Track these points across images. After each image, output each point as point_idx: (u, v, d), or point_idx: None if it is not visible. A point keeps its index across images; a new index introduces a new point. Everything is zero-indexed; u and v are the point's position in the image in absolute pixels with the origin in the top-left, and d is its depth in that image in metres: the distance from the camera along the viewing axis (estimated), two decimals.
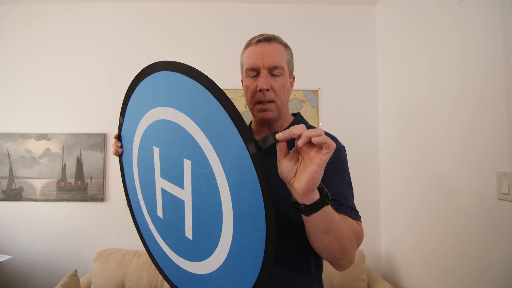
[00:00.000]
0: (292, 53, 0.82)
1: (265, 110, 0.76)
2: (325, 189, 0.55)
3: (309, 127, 0.80)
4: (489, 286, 1.12)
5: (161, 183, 0.73)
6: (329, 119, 2.07)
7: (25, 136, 2.01)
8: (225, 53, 2.05)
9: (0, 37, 2.05)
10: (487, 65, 1.14)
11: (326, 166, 0.61)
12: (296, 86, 2.07)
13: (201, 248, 0.63)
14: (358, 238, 0.68)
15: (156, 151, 0.72)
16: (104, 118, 2.04)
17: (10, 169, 2.00)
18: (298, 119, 0.86)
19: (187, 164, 0.63)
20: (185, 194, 0.65)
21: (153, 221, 0.81)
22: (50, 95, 2.04)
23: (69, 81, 2.05)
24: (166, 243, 0.77)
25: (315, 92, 2.07)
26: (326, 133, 0.75)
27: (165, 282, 1.74)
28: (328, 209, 0.56)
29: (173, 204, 0.69)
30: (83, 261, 1.98)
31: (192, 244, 0.66)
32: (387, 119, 1.98)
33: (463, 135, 1.27)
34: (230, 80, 2.04)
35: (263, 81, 0.74)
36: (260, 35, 0.78)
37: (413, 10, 1.66)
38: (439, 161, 1.43)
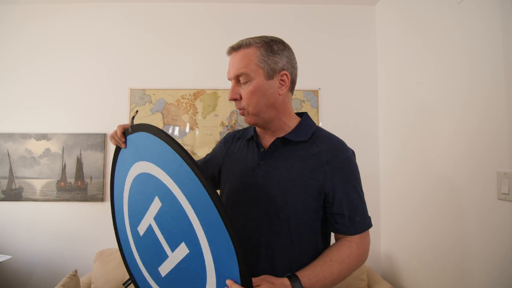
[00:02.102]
0: (273, 50, 0.73)
1: (243, 115, 0.78)
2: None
3: (311, 128, 0.80)
4: (489, 286, 1.12)
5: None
6: (329, 119, 2.07)
7: (25, 136, 2.01)
8: (225, 53, 2.04)
9: (0, 37, 2.05)
10: (487, 65, 1.14)
11: (333, 176, 0.71)
12: (296, 86, 2.07)
13: None
14: (357, 263, 0.73)
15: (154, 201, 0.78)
16: (104, 118, 2.04)
17: (10, 169, 2.00)
18: (304, 120, 0.82)
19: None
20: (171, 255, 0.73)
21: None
22: (50, 95, 2.04)
23: (69, 81, 2.05)
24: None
25: (315, 92, 2.07)
26: (333, 140, 0.77)
27: None
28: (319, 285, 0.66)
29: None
30: (83, 261, 1.98)
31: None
32: (387, 119, 1.98)
33: (463, 135, 1.27)
34: None
35: (230, 93, 0.76)
36: (231, 45, 0.76)
37: (413, 10, 1.66)
38: (439, 161, 1.43)
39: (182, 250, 0.67)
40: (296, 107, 2.06)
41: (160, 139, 0.66)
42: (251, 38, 0.75)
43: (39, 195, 2.00)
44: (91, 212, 2.01)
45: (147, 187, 0.74)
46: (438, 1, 1.44)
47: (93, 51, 2.07)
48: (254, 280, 0.63)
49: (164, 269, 0.75)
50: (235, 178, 0.82)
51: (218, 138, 2.05)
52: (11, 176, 2.00)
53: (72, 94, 2.05)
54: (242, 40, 0.75)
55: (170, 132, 2.05)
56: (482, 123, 1.17)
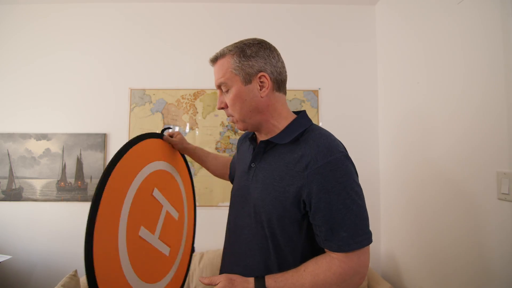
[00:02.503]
0: (246, 54, 0.72)
1: (234, 123, 0.81)
2: None
3: (299, 129, 0.75)
4: (489, 286, 1.12)
5: None
6: (329, 119, 2.07)
7: (25, 136, 2.01)
8: None
9: (0, 37, 2.05)
10: (487, 65, 1.14)
11: (314, 185, 0.66)
12: (296, 86, 2.08)
13: None
14: (342, 279, 0.64)
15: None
16: (104, 118, 2.04)
17: (10, 169, 2.00)
18: (296, 120, 0.77)
19: None
20: None
21: None
22: (50, 95, 2.04)
23: (69, 81, 2.05)
24: None
25: (315, 92, 2.08)
26: (320, 142, 0.70)
27: None
28: None
29: None
30: (83, 261, 1.98)
31: None
32: (387, 119, 1.98)
33: (463, 135, 1.27)
34: None
35: (217, 102, 0.80)
36: (210, 58, 0.81)
37: (413, 10, 1.66)
38: (439, 161, 1.43)
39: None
40: (296, 107, 2.06)
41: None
42: (226, 47, 0.77)
43: (39, 195, 2.00)
44: None
45: None
46: (438, 1, 1.44)
47: (93, 51, 2.07)
48: (215, 277, 0.68)
49: None
50: (236, 178, 0.88)
51: (218, 138, 2.05)
52: (11, 176, 2.00)
53: (72, 94, 2.05)
54: (219, 51, 0.77)
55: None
56: (482, 123, 1.17)
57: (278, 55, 0.77)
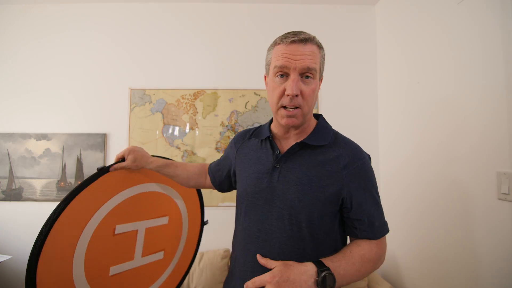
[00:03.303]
0: (324, 55, 0.75)
1: (290, 117, 0.71)
2: (327, 283, 0.62)
3: (329, 132, 0.78)
4: (489, 286, 1.12)
5: None
6: (329, 119, 2.04)
7: (25, 136, 2.01)
8: (225, 53, 2.05)
9: (0, 37, 2.05)
10: (487, 65, 1.14)
11: (351, 182, 0.72)
12: None
13: None
14: (377, 261, 0.73)
15: None
16: (104, 118, 2.04)
17: (10, 169, 2.00)
18: (321, 123, 0.80)
19: None
20: None
21: None
22: (50, 95, 2.04)
23: (69, 81, 2.05)
24: None
25: None
26: (351, 145, 0.76)
27: None
28: (341, 279, 0.65)
29: None
30: None
31: None
32: (387, 119, 1.98)
33: (463, 135, 1.27)
34: (230, 80, 2.04)
35: (293, 86, 0.67)
36: (294, 34, 0.69)
37: (413, 10, 1.66)
38: (439, 161, 1.43)
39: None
40: None
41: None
42: (310, 35, 0.71)
43: (39, 195, 1.99)
44: None
45: None
46: (438, 1, 1.44)
47: (93, 51, 2.07)
48: (272, 261, 0.67)
49: None
50: (249, 180, 0.80)
51: (218, 138, 2.05)
52: (11, 176, 2.00)
53: (72, 94, 2.05)
54: (307, 34, 0.70)
55: (170, 132, 2.05)
56: (482, 123, 1.16)
57: None
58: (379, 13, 2.07)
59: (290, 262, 0.66)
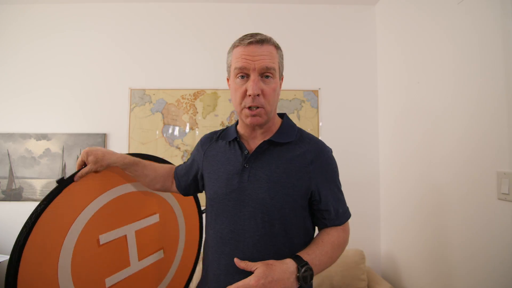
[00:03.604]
0: (282, 55, 0.78)
1: (254, 116, 0.72)
2: (307, 280, 0.66)
3: (294, 129, 0.82)
4: (489, 286, 1.12)
5: None
6: (329, 119, 2.07)
7: (25, 136, 2.01)
8: (225, 53, 2.04)
9: (0, 37, 2.05)
10: (487, 65, 1.14)
11: (318, 176, 0.76)
12: (296, 86, 2.08)
13: None
14: (345, 244, 0.80)
15: None
16: (104, 118, 2.04)
17: (10, 169, 2.00)
18: (286, 121, 0.83)
19: None
20: None
21: None
22: (50, 95, 2.04)
23: (69, 81, 2.05)
24: None
25: (315, 92, 2.07)
26: (315, 140, 0.80)
27: None
28: (317, 269, 0.70)
29: None
30: None
31: None
32: (387, 119, 1.98)
33: (463, 135, 1.27)
34: None
35: (254, 86, 0.69)
36: (251, 36, 0.72)
37: (413, 9, 1.66)
38: (439, 161, 1.43)
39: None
40: (296, 107, 2.06)
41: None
42: (267, 36, 0.73)
43: (39, 195, 1.99)
44: None
45: None
46: (438, 1, 1.44)
47: (93, 51, 2.07)
48: (251, 263, 0.67)
49: None
50: (219, 182, 0.79)
51: None
52: (11, 176, 2.00)
53: (72, 94, 2.05)
54: (263, 35, 0.72)
55: (170, 132, 2.05)
56: (482, 123, 1.16)
57: None
58: (379, 13, 2.07)
59: (270, 262, 0.66)
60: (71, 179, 0.81)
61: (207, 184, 0.84)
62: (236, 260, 0.70)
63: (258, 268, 0.64)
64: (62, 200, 0.79)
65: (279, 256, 0.70)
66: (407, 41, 1.72)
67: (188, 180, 0.93)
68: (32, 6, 2.06)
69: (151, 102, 2.05)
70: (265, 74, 0.71)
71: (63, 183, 0.80)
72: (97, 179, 0.86)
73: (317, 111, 2.06)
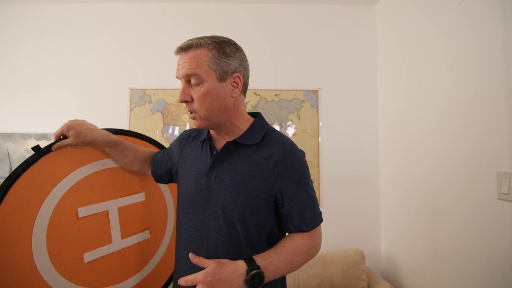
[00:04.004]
0: (225, 52, 0.72)
1: (193, 119, 0.75)
2: (255, 282, 0.65)
3: (263, 130, 0.79)
4: (490, 286, 1.12)
5: None
6: (329, 119, 2.06)
7: (25, 136, 2.01)
8: None
9: (0, 37, 2.05)
10: (487, 65, 1.14)
11: (282, 179, 0.74)
12: (296, 86, 2.08)
13: None
14: (310, 251, 0.76)
15: None
16: (104, 118, 2.04)
17: (10, 169, 1.99)
18: (256, 122, 0.80)
19: None
20: None
21: None
22: (50, 95, 2.04)
23: (69, 81, 2.05)
24: None
25: (315, 92, 2.07)
26: (283, 142, 0.77)
27: None
28: (272, 274, 0.69)
29: None
30: None
31: None
32: (387, 119, 1.98)
33: (463, 135, 1.27)
34: None
35: (180, 94, 0.73)
36: (179, 45, 0.72)
37: (413, 10, 1.66)
38: (439, 161, 1.43)
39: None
40: (296, 107, 2.06)
41: None
42: (201, 38, 0.72)
43: None
44: None
45: None
46: (438, 1, 1.44)
47: (93, 51, 2.07)
48: (205, 260, 0.67)
49: None
50: (189, 181, 0.81)
51: None
52: None
53: (72, 94, 2.05)
54: (192, 40, 0.71)
55: (170, 132, 2.05)
56: (482, 123, 1.16)
57: (247, 59, 0.80)
58: (379, 13, 2.07)
59: (223, 261, 0.67)
60: (48, 148, 0.79)
61: (180, 182, 0.86)
62: (190, 255, 0.70)
63: (210, 265, 0.65)
64: (39, 168, 0.75)
65: (241, 256, 0.71)
66: (407, 41, 1.72)
67: (163, 171, 0.94)
68: (32, 6, 2.06)
69: (151, 102, 2.05)
70: (189, 80, 0.71)
71: (40, 151, 0.77)
72: (78, 151, 0.84)
73: (317, 111, 2.06)
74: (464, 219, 1.26)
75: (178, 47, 0.72)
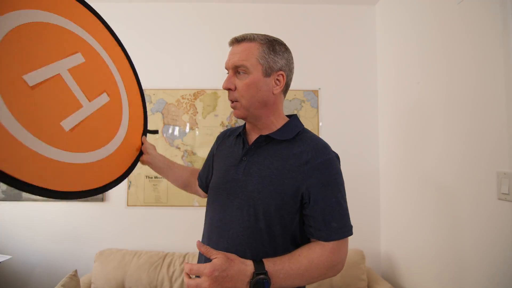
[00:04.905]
0: (274, 49, 0.76)
1: (233, 108, 0.80)
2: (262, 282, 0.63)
3: (297, 129, 0.81)
4: (489, 286, 1.12)
5: None
6: (329, 119, 2.07)
7: None
8: (225, 53, 2.04)
9: None
10: (487, 65, 1.14)
11: (311, 178, 0.72)
12: (296, 86, 2.08)
13: None
14: (329, 267, 0.70)
15: None
16: None
17: None
18: (291, 121, 0.83)
19: None
20: None
21: None
22: None
23: None
24: None
25: (315, 92, 2.08)
26: (317, 141, 0.78)
27: (165, 282, 1.75)
28: (280, 283, 0.65)
29: None
30: (83, 261, 1.98)
31: None
32: (387, 119, 1.98)
33: (463, 135, 1.27)
34: None
35: (224, 81, 0.77)
36: (235, 36, 0.79)
37: (413, 9, 1.66)
38: (439, 161, 1.43)
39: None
40: (296, 107, 2.06)
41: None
42: (255, 34, 0.77)
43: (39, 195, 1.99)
44: (91, 212, 2.01)
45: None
46: (438, 1, 1.44)
47: None
48: (213, 251, 0.65)
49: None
50: (219, 173, 0.85)
51: None
52: None
53: None
54: (247, 34, 0.77)
55: (170, 132, 2.05)
56: (482, 123, 1.16)
57: (293, 61, 0.83)
58: (379, 13, 2.07)
59: (232, 256, 0.65)
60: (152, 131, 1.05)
61: (213, 175, 0.90)
62: (197, 242, 0.67)
63: (218, 258, 0.62)
64: None
65: (261, 252, 0.71)
66: (407, 41, 1.72)
67: (209, 175, 0.97)
68: None
69: (151, 102, 2.05)
70: (237, 70, 0.76)
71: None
72: None
73: (317, 111, 2.06)
74: (464, 219, 1.26)
75: (233, 38, 0.78)
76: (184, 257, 1.85)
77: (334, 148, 0.81)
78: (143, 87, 2.06)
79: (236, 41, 0.77)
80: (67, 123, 0.76)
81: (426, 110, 1.54)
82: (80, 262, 1.99)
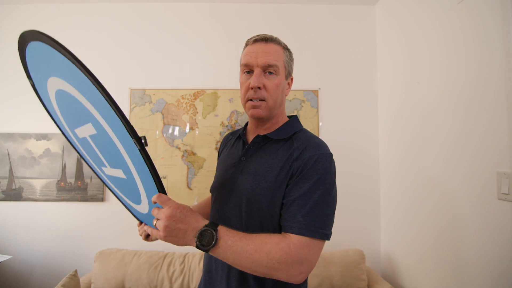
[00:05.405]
0: (291, 56, 0.84)
1: (255, 107, 0.77)
2: (204, 238, 0.61)
3: (294, 129, 0.82)
4: (489, 286, 1.12)
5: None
6: (329, 119, 2.07)
7: (25, 136, 2.01)
8: (225, 53, 2.05)
9: (1, 37, 2.05)
10: (487, 65, 1.14)
11: (297, 170, 0.72)
12: (296, 86, 2.08)
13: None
14: (284, 258, 0.61)
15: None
16: None
17: (10, 169, 2.00)
18: (290, 121, 0.85)
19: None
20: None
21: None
22: None
23: None
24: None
25: (315, 92, 2.08)
26: (310, 140, 0.77)
27: (165, 282, 1.75)
28: (225, 248, 0.62)
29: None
30: (83, 261, 1.98)
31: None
32: (387, 119, 1.98)
33: (463, 135, 1.27)
34: (230, 80, 2.04)
35: (255, 79, 0.75)
36: (258, 35, 0.79)
37: (413, 9, 1.66)
38: (439, 161, 1.43)
39: (120, 174, 0.73)
40: (296, 107, 2.06)
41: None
42: (276, 38, 0.80)
43: (39, 195, 2.00)
44: (91, 212, 2.01)
45: (76, 109, 0.68)
46: (438, 1, 1.44)
47: (93, 51, 2.07)
48: (169, 201, 0.63)
49: (106, 171, 0.79)
50: (219, 173, 0.88)
51: (218, 138, 2.05)
52: (11, 176, 2.00)
53: None
54: (267, 35, 0.79)
55: (170, 132, 2.05)
56: (482, 123, 1.16)
57: None
58: (379, 13, 2.07)
59: (185, 209, 0.63)
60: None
61: (214, 177, 0.93)
62: (154, 196, 0.64)
63: (180, 208, 0.62)
64: None
65: None
66: (407, 41, 1.72)
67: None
68: (32, 7, 2.06)
69: (151, 102, 2.05)
70: (267, 70, 0.76)
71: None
72: None
73: (317, 111, 2.06)
74: (464, 219, 1.26)
75: (260, 36, 0.78)
76: (184, 257, 1.85)
77: (334, 148, 0.81)
78: (143, 87, 2.07)
79: (263, 40, 0.77)
80: None
81: (426, 110, 1.54)
82: (80, 262, 1.99)
